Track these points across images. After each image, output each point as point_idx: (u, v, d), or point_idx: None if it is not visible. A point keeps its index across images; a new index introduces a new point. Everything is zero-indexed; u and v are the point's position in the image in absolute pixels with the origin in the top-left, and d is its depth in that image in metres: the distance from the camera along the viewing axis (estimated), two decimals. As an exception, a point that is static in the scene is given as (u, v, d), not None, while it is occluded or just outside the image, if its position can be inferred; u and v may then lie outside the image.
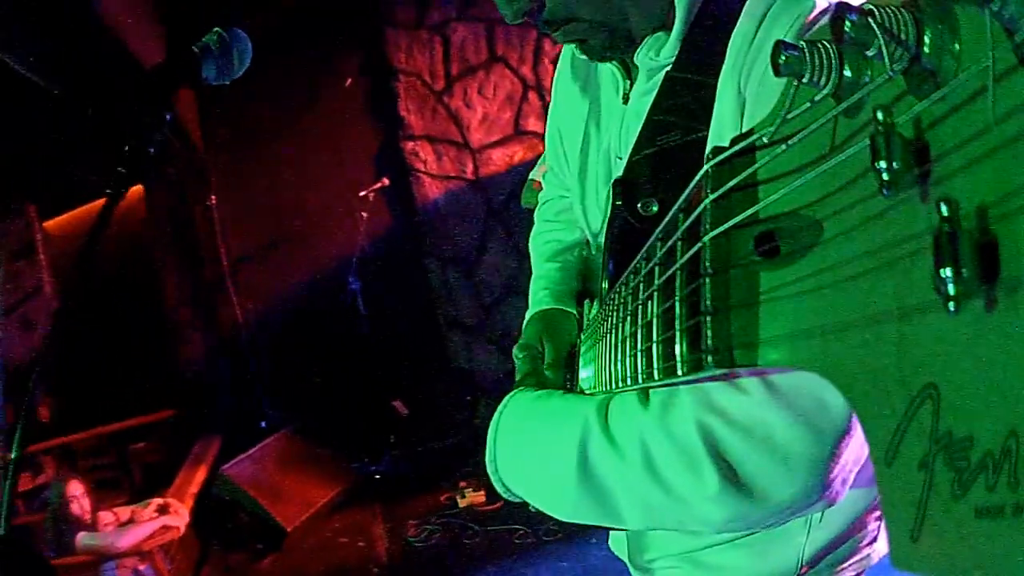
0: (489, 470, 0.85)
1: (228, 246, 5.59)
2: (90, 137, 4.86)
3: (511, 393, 0.89)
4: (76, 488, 4.41)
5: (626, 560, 1.01)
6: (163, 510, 4.42)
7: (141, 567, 4.16)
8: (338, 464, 4.90)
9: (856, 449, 0.61)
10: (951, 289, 0.21)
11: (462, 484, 4.12)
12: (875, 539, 0.82)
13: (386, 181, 5.07)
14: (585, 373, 0.92)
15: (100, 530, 4.31)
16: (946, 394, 0.23)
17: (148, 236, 5.92)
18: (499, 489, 0.86)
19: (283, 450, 4.88)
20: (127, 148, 1.04)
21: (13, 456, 0.93)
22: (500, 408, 0.87)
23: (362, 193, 5.04)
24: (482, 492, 4.01)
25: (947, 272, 0.21)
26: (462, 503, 4.03)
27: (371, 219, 5.07)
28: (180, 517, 4.40)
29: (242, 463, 4.63)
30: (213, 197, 5.51)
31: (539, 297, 1.14)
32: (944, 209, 0.22)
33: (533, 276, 1.20)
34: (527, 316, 1.15)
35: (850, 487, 0.65)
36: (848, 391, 0.29)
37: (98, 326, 6.26)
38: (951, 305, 0.21)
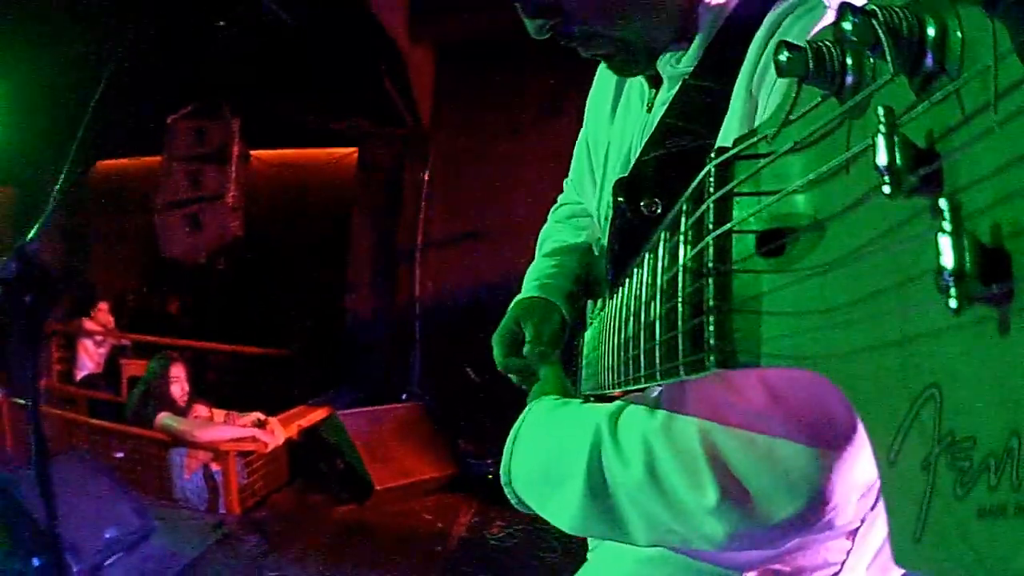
0: (503, 480, 0.84)
1: (428, 223, 5.57)
2: (314, 84, 4.79)
3: (532, 402, 0.88)
4: (180, 371, 4.33)
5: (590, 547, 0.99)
6: (260, 424, 4.35)
7: (214, 466, 4.08)
8: (455, 454, 4.79)
9: (862, 472, 0.59)
10: (953, 289, 0.21)
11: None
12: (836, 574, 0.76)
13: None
14: (587, 373, 0.92)
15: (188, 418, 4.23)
16: (948, 394, 0.23)
17: (354, 190, 5.96)
18: (510, 499, 0.84)
19: (406, 419, 4.82)
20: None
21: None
22: (521, 417, 0.86)
23: (574, 212, 5.01)
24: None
25: (949, 272, 0.21)
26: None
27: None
28: (273, 436, 4.31)
29: (359, 415, 4.61)
30: (427, 173, 5.50)
31: (527, 287, 1.16)
32: (947, 209, 0.22)
33: (528, 269, 1.22)
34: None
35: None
36: (850, 391, 0.29)
37: (278, 258, 6.37)
38: (953, 305, 0.21)
